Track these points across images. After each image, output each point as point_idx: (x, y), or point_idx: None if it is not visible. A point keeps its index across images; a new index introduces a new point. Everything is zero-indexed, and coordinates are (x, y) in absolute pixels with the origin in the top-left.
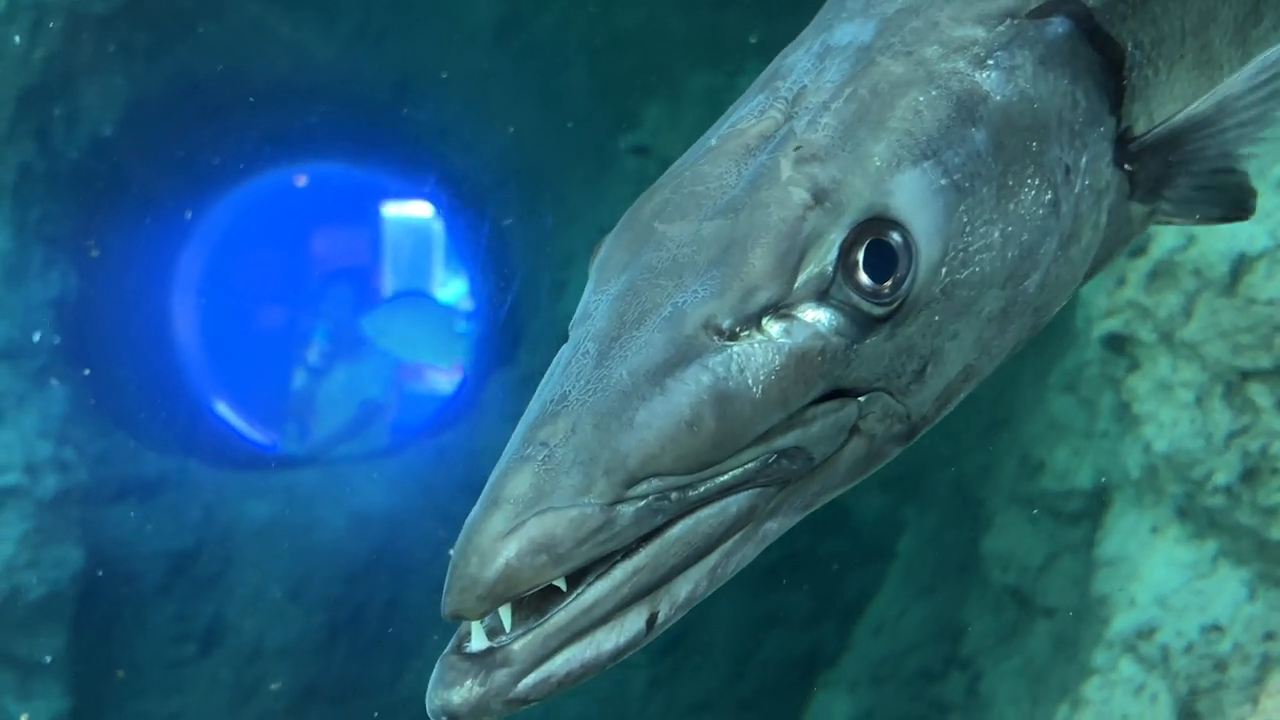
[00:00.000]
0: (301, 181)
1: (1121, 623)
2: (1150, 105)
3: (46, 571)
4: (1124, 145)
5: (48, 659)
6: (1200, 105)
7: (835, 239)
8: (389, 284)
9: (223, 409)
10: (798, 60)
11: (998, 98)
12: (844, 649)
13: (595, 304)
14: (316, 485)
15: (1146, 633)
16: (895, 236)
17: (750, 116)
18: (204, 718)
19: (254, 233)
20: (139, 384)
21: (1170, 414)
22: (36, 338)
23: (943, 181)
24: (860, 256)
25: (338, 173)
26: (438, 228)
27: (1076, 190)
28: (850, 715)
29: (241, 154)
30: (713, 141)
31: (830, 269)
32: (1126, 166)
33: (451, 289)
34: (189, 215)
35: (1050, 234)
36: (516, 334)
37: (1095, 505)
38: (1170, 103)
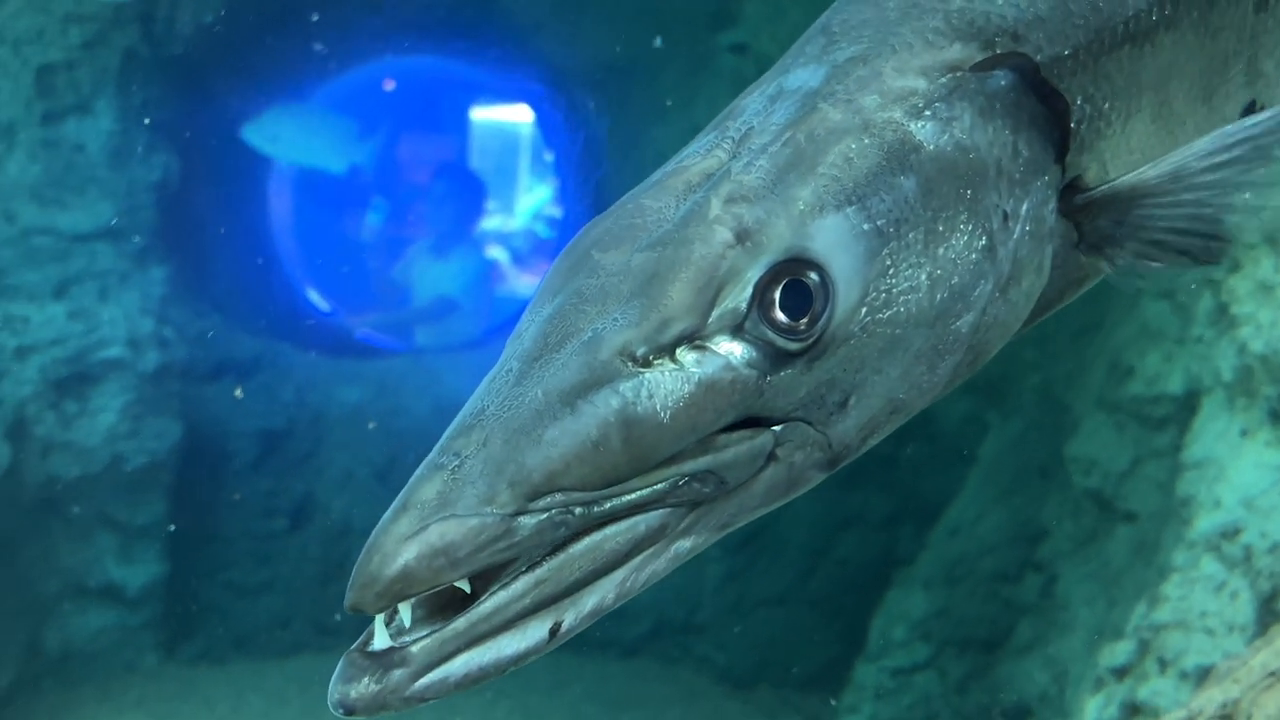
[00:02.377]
0: (392, 81)
1: (1205, 524)
2: (1104, 156)
3: (146, 442)
4: (1072, 195)
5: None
6: (1149, 172)
7: (751, 277)
8: (478, 184)
9: (314, 296)
10: (751, 102)
11: (930, 147)
12: (920, 550)
13: (526, 325)
14: (403, 374)
15: (1230, 533)
16: (813, 276)
17: (698, 154)
18: (293, 589)
19: (349, 124)
20: (235, 268)
21: (1269, 315)
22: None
23: (865, 226)
24: (776, 295)
25: (431, 67)
26: (529, 127)
27: (1015, 236)
28: (923, 613)
29: (340, 47)
30: (659, 176)
31: (744, 305)
32: (1075, 215)
33: (540, 191)
34: (287, 104)
35: (985, 277)
36: None
37: (1184, 410)
38: (1126, 154)
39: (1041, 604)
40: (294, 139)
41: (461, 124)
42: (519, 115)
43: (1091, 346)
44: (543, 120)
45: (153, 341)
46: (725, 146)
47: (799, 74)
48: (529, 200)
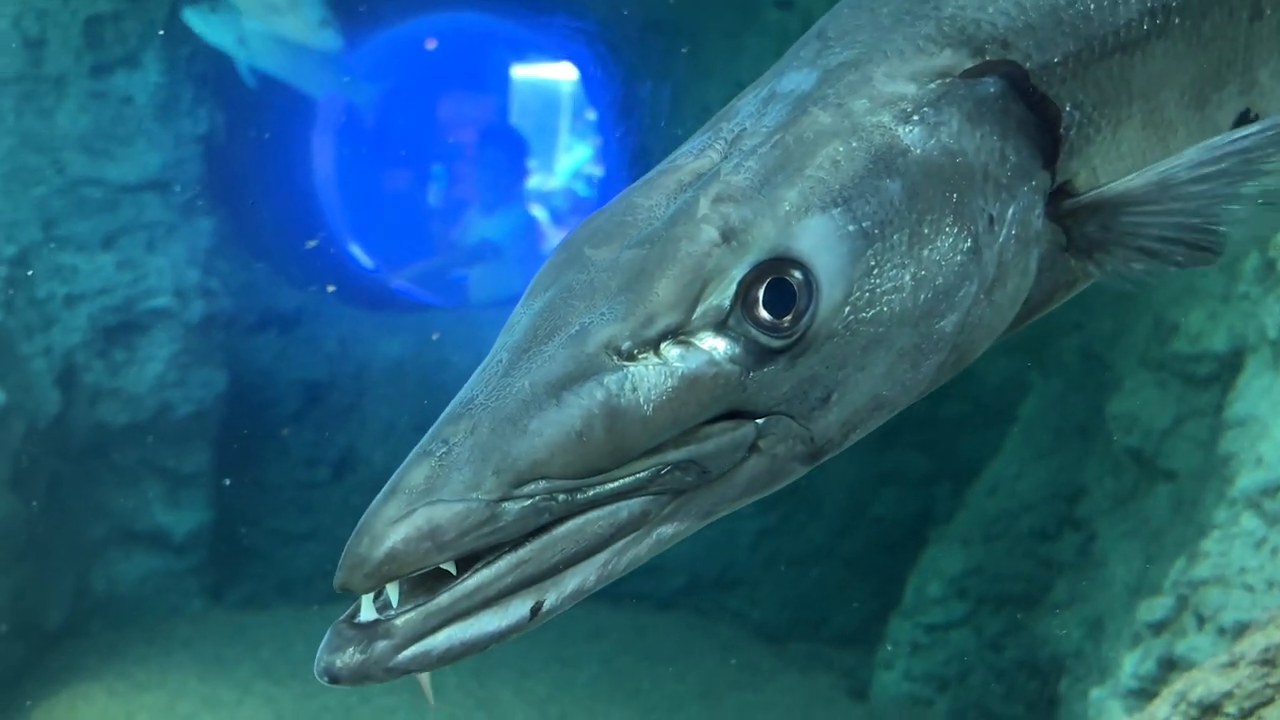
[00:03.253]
0: (434, 40)
1: (1246, 481)
2: (1093, 162)
3: (193, 391)
4: (1060, 200)
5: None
6: (1136, 181)
7: (736, 275)
8: (520, 139)
9: (357, 249)
10: (745, 104)
11: (917, 151)
12: (957, 508)
13: (518, 318)
14: (445, 328)
15: (1272, 490)
16: (797, 275)
17: (691, 154)
18: (335, 538)
19: (392, 80)
20: (279, 221)
21: None
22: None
23: (850, 227)
24: (760, 293)
25: (475, 23)
26: (571, 85)
27: (1001, 240)
28: (960, 570)
29: (386, 2)
30: (652, 174)
31: (727, 302)
32: (1063, 220)
33: (581, 149)
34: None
35: (969, 278)
36: None
37: (1227, 369)
38: (1117, 160)
39: (1079, 561)
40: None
41: (503, 81)
42: (562, 73)
43: (1135, 305)
44: (585, 78)
45: (199, 292)
46: (718, 147)
47: (792, 77)
48: (570, 159)
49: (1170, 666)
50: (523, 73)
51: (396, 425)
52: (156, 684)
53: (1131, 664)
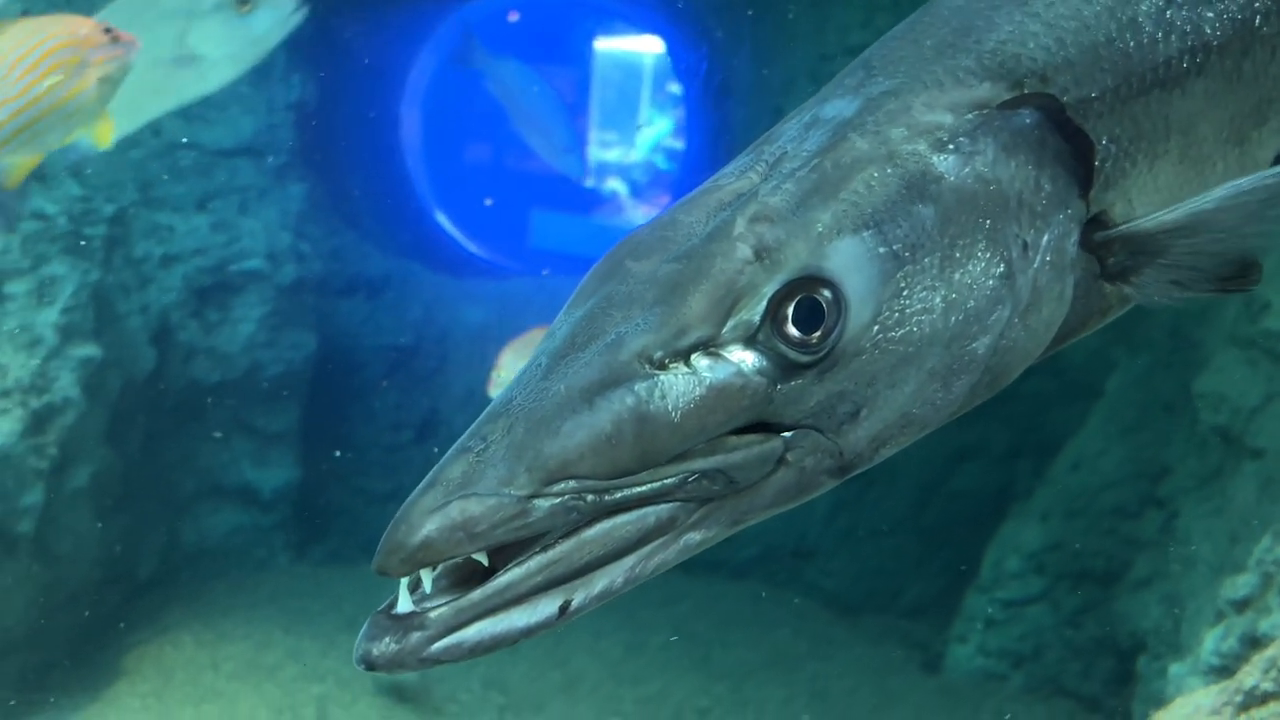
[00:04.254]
0: (516, 13)
1: None
2: (1130, 194)
3: (283, 352)
4: (1095, 229)
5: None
6: (1167, 216)
7: (767, 292)
8: (598, 117)
9: (442, 218)
10: (789, 128)
11: (951, 178)
12: (1038, 483)
13: (560, 324)
14: (526, 294)
15: None
16: (826, 294)
17: (733, 174)
18: None
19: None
20: (368, 188)
21: None
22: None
23: (881, 250)
24: (790, 310)
25: None
26: (654, 57)
27: (1035, 265)
28: (1038, 546)
29: None
30: (696, 192)
31: (757, 318)
32: (1097, 249)
33: (662, 122)
34: (418, 33)
35: (1002, 302)
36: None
37: None
38: (1154, 193)
39: (1161, 540)
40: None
41: (586, 54)
42: (645, 45)
43: None
44: (670, 50)
45: (290, 255)
46: (759, 169)
47: (835, 104)
48: (651, 132)
49: (1253, 644)
50: (606, 45)
51: (477, 390)
52: (242, 635)
53: (1213, 641)
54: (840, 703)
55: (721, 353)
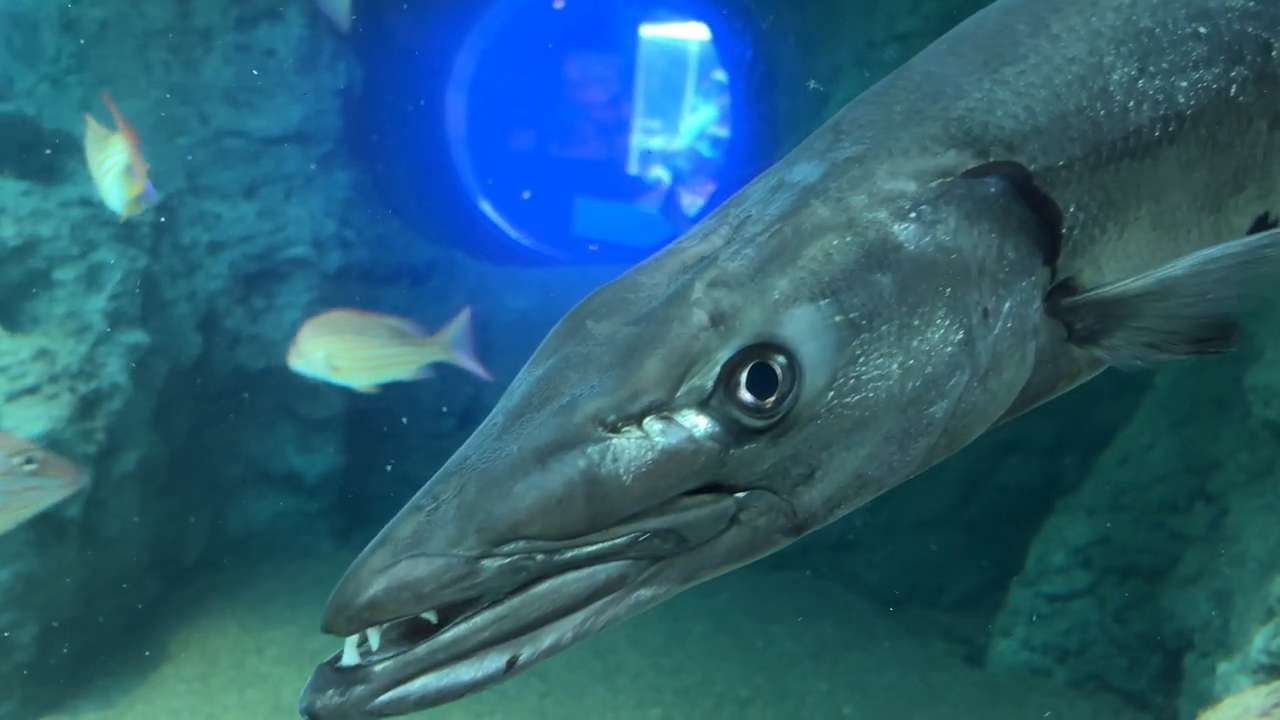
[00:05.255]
0: (561, 0)
1: None
2: (1099, 261)
3: None
4: (1062, 294)
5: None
6: (1134, 284)
7: (720, 358)
8: (643, 105)
9: (486, 207)
10: (755, 191)
11: (910, 247)
12: (1084, 477)
13: (519, 383)
14: (568, 283)
15: None
16: (781, 361)
17: (697, 237)
18: None
19: (522, 43)
20: (413, 177)
21: None
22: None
23: (837, 318)
24: (743, 376)
25: None
26: (699, 45)
27: (996, 332)
28: (1085, 540)
29: None
30: (660, 254)
31: (710, 383)
32: (1064, 315)
33: (707, 110)
34: (464, 21)
35: (961, 368)
36: (775, 151)
37: None
38: (1125, 259)
39: (1210, 535)
40: None
41: (632, 41)
42: (690, 32)
43: None
44: (715, 37)
45: (335, 243)
46: (723, 232)
47: (801, 168)
48: (695, 119)
49: None
50: (651, 32)
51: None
52: (287, 620)
53: (1263, 639)
54: (882, 696)
55: (675, 417)
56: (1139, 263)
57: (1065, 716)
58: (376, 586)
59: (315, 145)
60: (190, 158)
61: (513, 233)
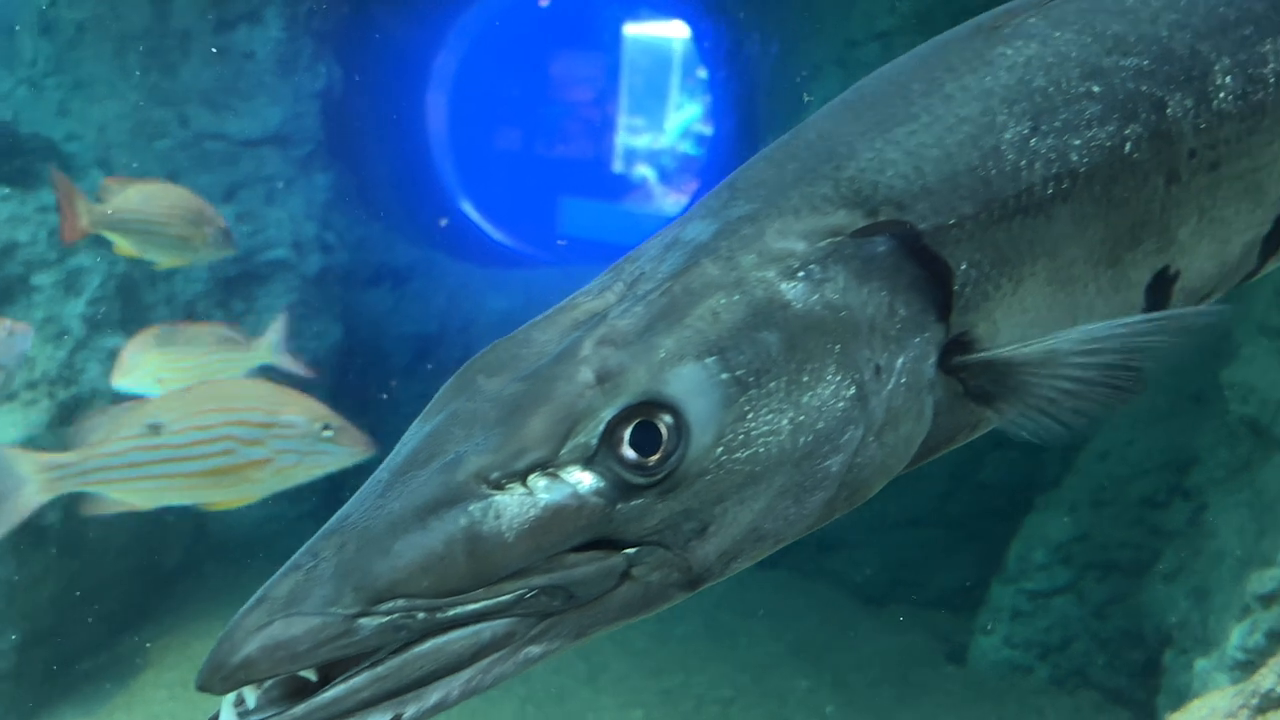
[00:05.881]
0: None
1: None
2: (993, 316)
3: (308, 342)
4: (957, 350)
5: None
6: (1023, 350)
7: (605, 416)
8: (627, 103)
9: (468, 208)
10: (650, 248)
11: (798, 306)
12: (1065, 474)
13: (407, 439)
14: (550, 283)
15: None
16: (666, 418)
17: (591, 293)
18: None
19: (505, 43)
20: (394, 178)
21: None
22: (304, 126)
23: (724, 376)
24: (626, 434)
25: None
26: (682, 43)
27: (889, 387)
28: (1065, 536)
29: None
30: (554, 310)
31: (595, 440)
32: (959, 372)
33: (691, 108)
34: (445, 20)
35: (854, 423)
36: (755, 148)
37: None
38: (1020, 314)
39: (1189, 531)
40: None
41: (615, 39)
42: (673, 30)
43: None
44: (696, 35)
45: (315, 245)
46: (616, 289)
47: (695, 226)
48: (679, 117)
49: (1279, 639)
50: (635, 30)
51: None
52: None
53: (1239, 636)
54: (864, 694)
55: (559, 474)
56: (1035, 316)
57: (1047, 713)
58: (251, 646)
59: (295, 147)
60: (170, 160)
61: (495, 233)
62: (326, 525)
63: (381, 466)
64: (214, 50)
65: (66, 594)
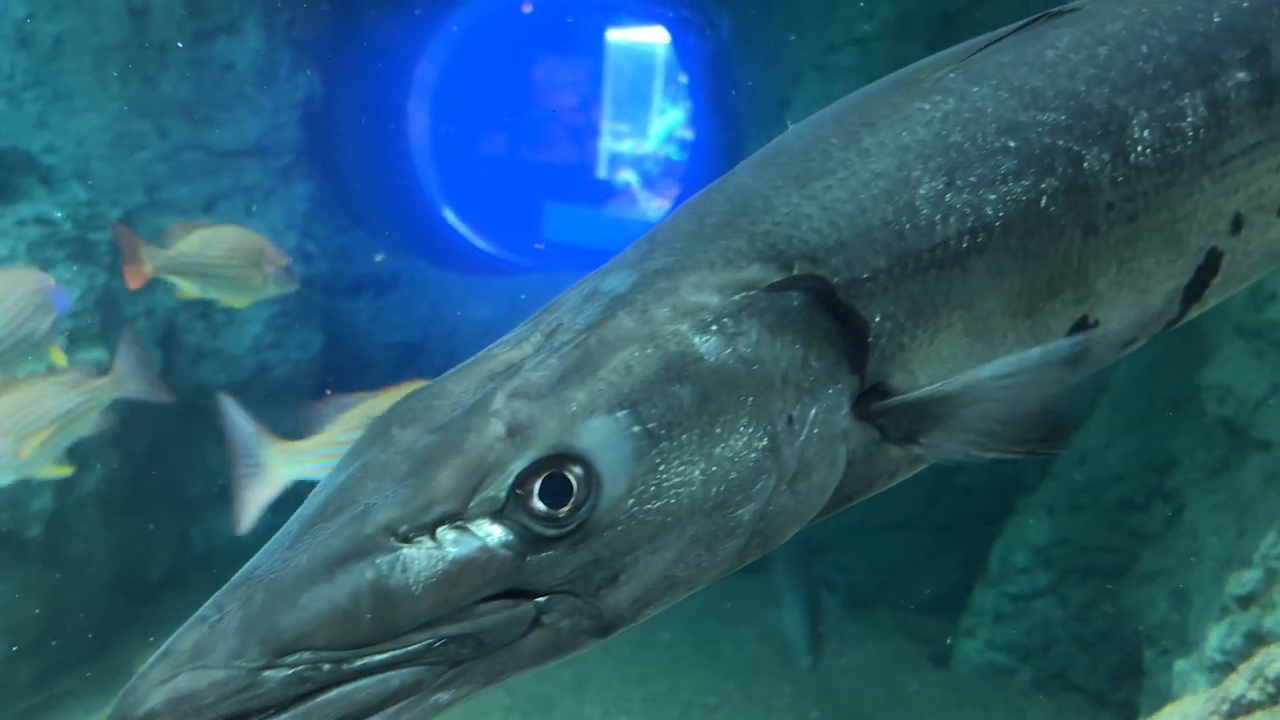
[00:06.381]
0: (529, 4)
1: None
2: (910, 366)
3: (290, 353)
4: (874, 399)
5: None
6: (940, 388)
7: (514, 469)
8: (611, 109)
9: (450, 216)
10: (570, 298)
11: (711, 359)
12: (1045, 477)
13: (320, 489)
14: (534, 290)
15: None
16: (577, 471)
17: (509, 344)
18: None
19: (484, 50)
20: (376, 187)
21: None
22: (284, 136)
23: (635, 428)
24: (536, 486)
25: None
26: (664, 49)
27: (802, 438)
28: (1045, 539)
29: None
30: (471, 360)
31: (503, 494)
32: (876, 418)
33: (673, 113)
34: (426, 27)
35: (766, 473)
36: (737, 156)
37: None
38: (938, 363)
39: (1168, 533)
40: None
41: (598, 45)
42: (655, 36)
43: None
44: (678, 41)
45: (296, 255)
46: (534, 340)
47: (615, 277)
48: (662, 122)
49: (1257, 641)
50: (618, 36)
51: None
52: None
53: (1218, 637)
54: (849, 699)
55: (469, 527)
56: (953, 366)
57: (1029, 715)
58: (155, 699)
59: (275, 158)
60: (149, 173)
61: (478, 241)
62: (234, 578)
63: (292, 518)
64: (193, 61)
65: (50, 608)
